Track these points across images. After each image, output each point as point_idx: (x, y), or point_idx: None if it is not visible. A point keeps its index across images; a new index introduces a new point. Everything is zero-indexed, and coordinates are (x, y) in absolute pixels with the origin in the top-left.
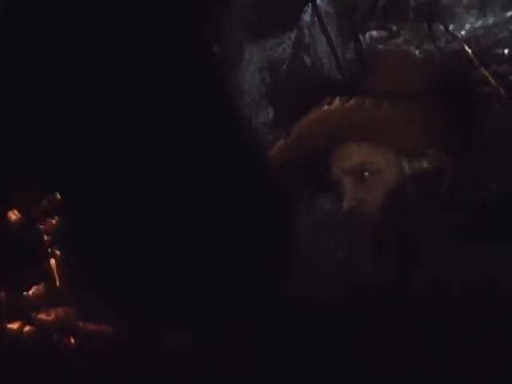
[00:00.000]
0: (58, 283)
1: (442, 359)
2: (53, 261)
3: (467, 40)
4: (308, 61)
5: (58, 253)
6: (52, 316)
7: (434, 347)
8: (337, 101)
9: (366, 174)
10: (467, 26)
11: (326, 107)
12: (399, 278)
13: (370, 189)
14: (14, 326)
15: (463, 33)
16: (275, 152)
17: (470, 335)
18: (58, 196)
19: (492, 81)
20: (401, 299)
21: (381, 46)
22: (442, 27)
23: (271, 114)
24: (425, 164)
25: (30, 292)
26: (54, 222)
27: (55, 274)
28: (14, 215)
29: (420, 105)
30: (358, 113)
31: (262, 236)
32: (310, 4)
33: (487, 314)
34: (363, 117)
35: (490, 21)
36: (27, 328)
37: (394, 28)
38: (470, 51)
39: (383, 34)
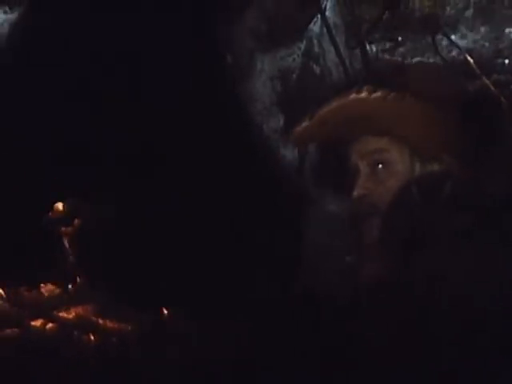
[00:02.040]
0: (78, 282)
1: (444, 359)
2: (73, 260)
3: (469, 50)
4: (317, 70)
5: (78, 253)
6: (72, 314)
7: (436, 347)
8: (364, 90)
9: (380, 166)
10: (469, 37)
11: (353, 95)
12: (403, 277)
13: (381, 181)
14: (37, 323)
15: (465, 43)
16: (297, 132)
17: (472, 335)
18: (79, 199)
19: (493, 89)
20: (403, 299)
21: (386, 56)
22: (445, 38)
23: (282, 121)
24: (435, 166)
25: (52, 291)
26: (74, 223)
27: (75, 274)
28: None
29: (441, 109)
30: (382, 104)
31: (268, 237)
32: (319, 15)
33: (490, 314)
34: (386, 109)
35: (491, 32)
36: (49, 326)
37: (400, 39)
38: (471, 61)
39: (389, 44)
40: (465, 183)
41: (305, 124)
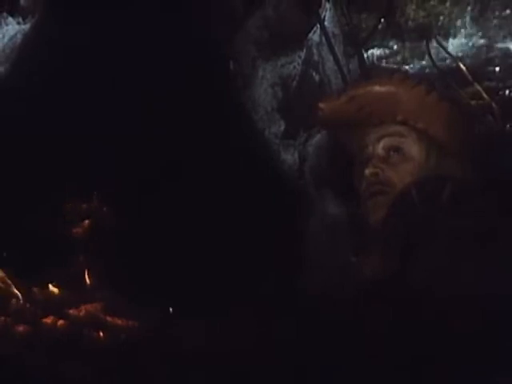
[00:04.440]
0: (87, 281)
1: (443, 358)
2: (83, 260)
3: (462, 58)
4: (317, 77)
5: (88, 252)
6: (82, 311)
7: (435, 346)
8: (396, 75)
9: (394, 153)
10: (462, 45)
11: (384, 79)
12: (403, 276)
13: (394, 164)
14: (48, 320)
15: (458, 51)
16: (325, 109)
17: (470, 335)
18: (93, 199)
19: (485, 95)
20: (403, 297)
21: (383, 64)
22: (438, 46)
23: (282, 127)
24: (451, 161)
25: (62, 289)
26: (86, 223)
27: (85, 272)
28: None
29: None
30: (409, 93)
31: (272, 235)
32: (318, 25)
33: (489, 315)
34: (411, 98)
35: (483, 40)
36: (60, 322)
37: (395, 47)
38: (464, 68)
39: (385, 52)
40: (465, 185)
41: (333, 101)
